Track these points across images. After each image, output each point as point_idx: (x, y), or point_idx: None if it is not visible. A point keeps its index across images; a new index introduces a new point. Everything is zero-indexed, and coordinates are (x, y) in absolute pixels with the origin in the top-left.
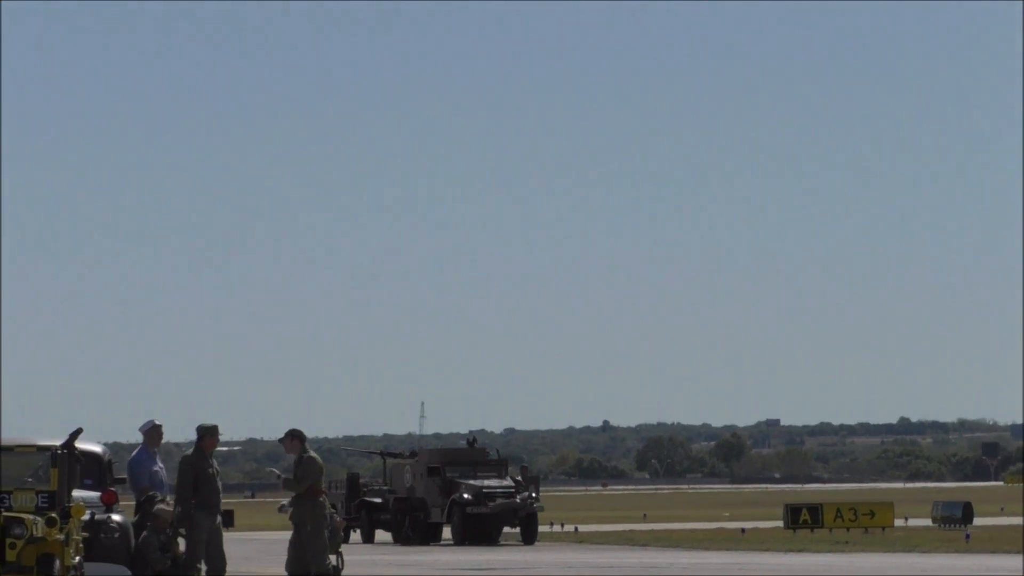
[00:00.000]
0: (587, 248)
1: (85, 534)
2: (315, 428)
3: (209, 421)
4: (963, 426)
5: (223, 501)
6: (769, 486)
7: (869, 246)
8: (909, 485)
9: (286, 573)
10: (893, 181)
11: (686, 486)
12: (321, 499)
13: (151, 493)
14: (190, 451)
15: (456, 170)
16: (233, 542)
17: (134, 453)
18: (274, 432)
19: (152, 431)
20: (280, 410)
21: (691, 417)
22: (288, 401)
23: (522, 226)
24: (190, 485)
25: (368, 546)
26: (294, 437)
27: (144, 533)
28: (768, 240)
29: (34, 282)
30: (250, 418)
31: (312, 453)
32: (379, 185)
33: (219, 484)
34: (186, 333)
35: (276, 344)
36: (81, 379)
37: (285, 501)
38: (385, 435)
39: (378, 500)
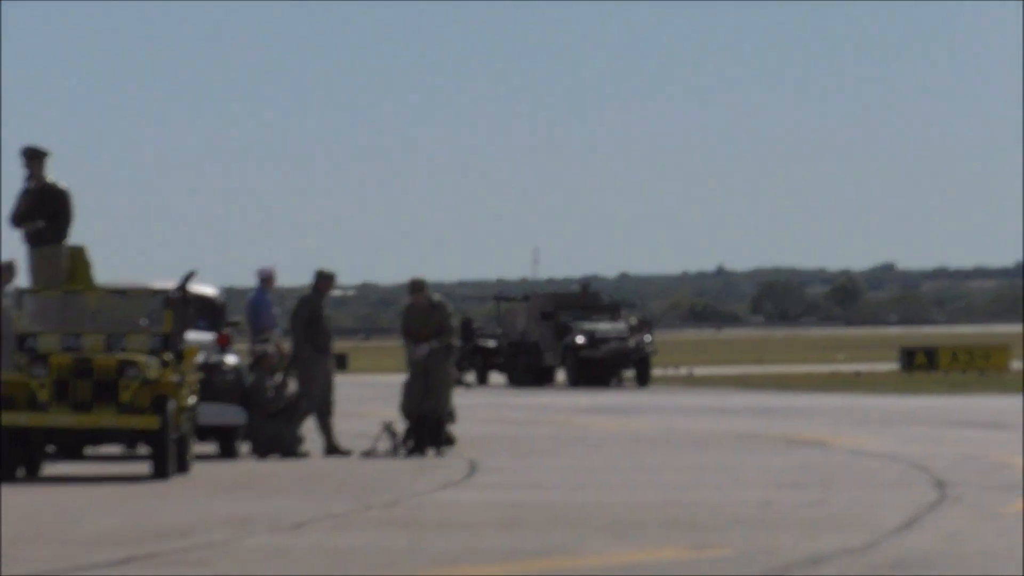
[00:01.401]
0: (701, 90)
1: (199, 376)
2: (430, 272)
3: (327, 267)
4: None
5: (336, 344)
6: (884, 329)
7: (989, 83)
8: None
9: (400, 414)
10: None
11: (800, 330)
12: (449, 343)
13: (266, 335)
14: (307, 293)
15: (571, 18)
16: (347, 385)
17: (251, 294)
18: (388, 277)
19: (271, 275)
20: (394, 255)
21: (806, 261)
22: (402, 246)
23: (635, 68)
24: (304, 326)
25: (482, 389)
26: (417, 289)
27: (256, 374)
28: (885, 79)
29: (150, 125)
30: (364, 263)
31: (440, 299)
32: (489, 31)
33: (330, 327)
34: (301, 177)
35: (391, 188)
36: (195, 223)
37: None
38: (499, 279)
39: (492, 344)
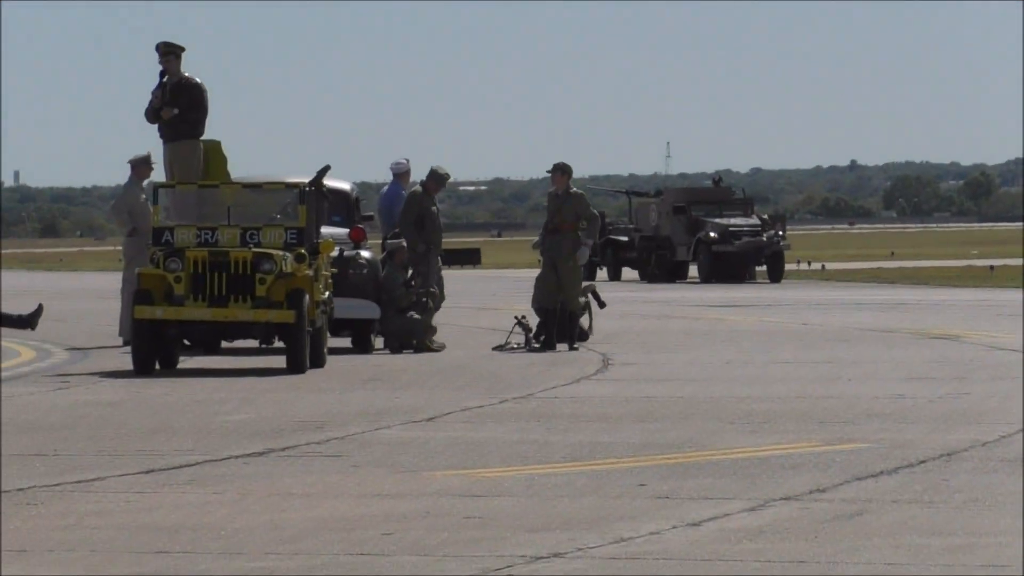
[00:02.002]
0: None
1: (334, 270)
2: None
3: (444, 167)
4: None
5: (469, 240)
6: (1018, 224)
7: None
8: None
9: (533, 309)
10: None
11: (934, 225)
12: (576, 235)
13: (397, 230)
14: (417, 191)
15: None
16: (480, 280)
17: (385, 189)
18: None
19: (406, 172)
20: (525, 150)
21: (939, 155)
22: (534, 141)
23: None
24: (413, 222)
25: (615, 283)
26: (564, 172)
27: (389, 268)
28: None
29: (287, 18)
30: (496, 158)
31: (576, 189)
32: None
33: (440, 225)
34: (433, 74)
35: (524, 83)
36: (330, 118)
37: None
38: (631, 175)
39: (624, 239)
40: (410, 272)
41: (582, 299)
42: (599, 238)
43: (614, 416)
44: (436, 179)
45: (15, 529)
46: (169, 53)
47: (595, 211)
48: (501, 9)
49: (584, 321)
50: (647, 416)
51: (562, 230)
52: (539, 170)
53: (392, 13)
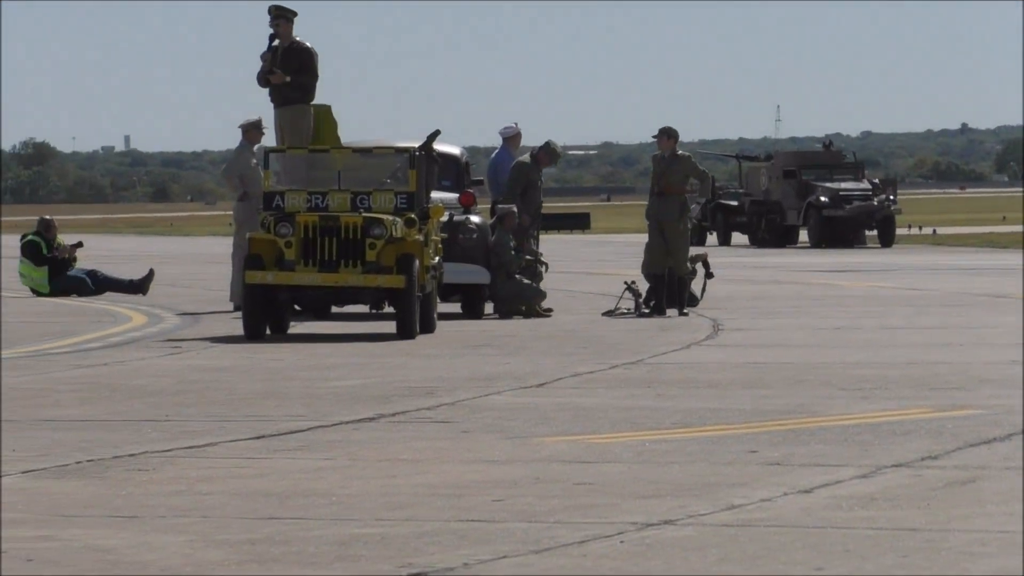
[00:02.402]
0: None
1: (444, 235)
2: None
3: (554, 142)
4: None
5: (578, 204)
6: None
7: None
8: None
9: (642, 274)
10: None
11: None
12: (685, 199)
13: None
14: (526, 161)
15: None
16: (589, 245)
17: (494, 154)
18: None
19: (515, 136)
20: (634, 114)
21: None
22: (643, 105)
23: None
24: (518, 191)
25: (724, 248)
26: (670, 136)
27: (498, 233)
28: None
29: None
30: (605, 122)
31: (682, 152)
32: None
33: (541, 196)
34: (544, 38)
35: (631, 47)
36: (439, 83)
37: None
38: (740, 138)
39: (734, 203)
40: (519, 236)
41: (694, 266)
42: (709, 202)
43: (724, 382)
44: (549, 154)
45: (127, 495)
46: (280, 17)
47: (706, 170)
48: None
49: (695, 287)
50: (757, 382)
51: (668, 193)
52: (648, 134)
53: None
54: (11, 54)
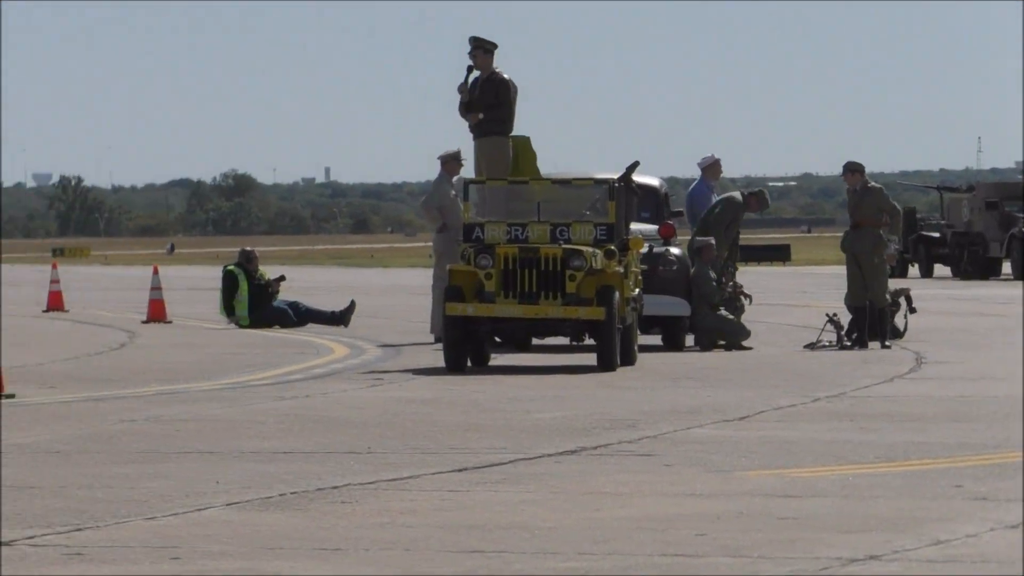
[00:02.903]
0: None
1: (643, 266)
2: (871, 162)
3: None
4: None
5: (778, 235)
6: None
7: None
8: None
9: (845, 306)
10: None
11: None
12: (880, 231)
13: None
14: (736, 197)
15: None
16: (789, 277)
17: (692, 186)
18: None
19: (712, 165)
20: (834, 145)
21: None
22: (843, 135)
23: None
24: (723, 228)
25: (927, 280)
26: (854, 171)
27: (696, 264)
28: None
29: (593, 13)
30: (805, 153)
31: (874, 184)
32: None
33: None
34: (742, 69)
35: (831, 78)
36: (637, 114)
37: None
38: (941, 169)
39: (936, 235)
40: (720, 268)
41: (897, 299)
42: (911, 234)
43: (928, 415)
44: (760, 201)
45: (330, 527)
46: (478, 48)
47: (896, 205)
48: (806, 9)
49: (899, 320)
50: (962, 416)
51: (862, 226)
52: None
53: (698, 9)
54: (215, 88)
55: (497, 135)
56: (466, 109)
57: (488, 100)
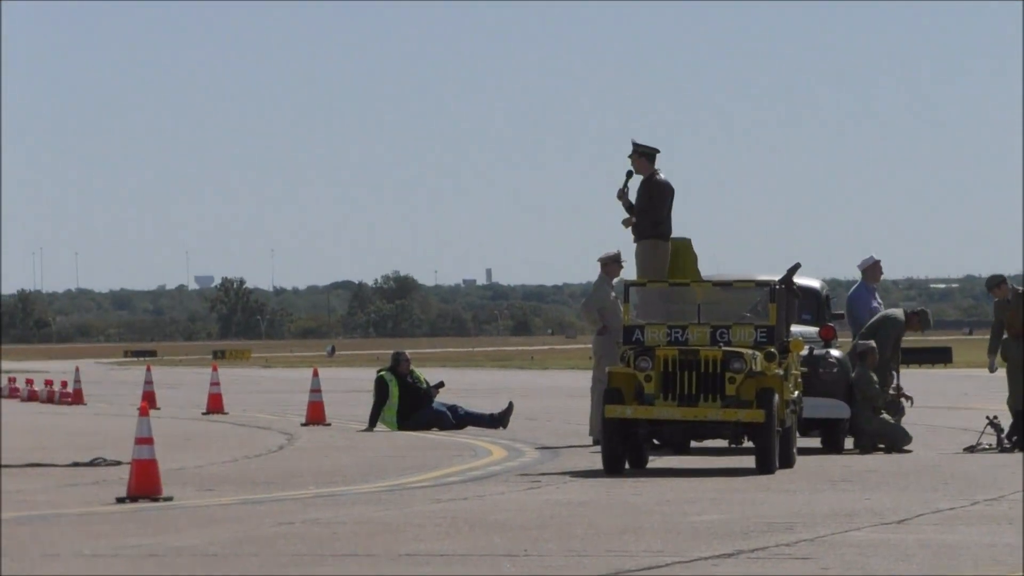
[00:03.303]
0: None
1: (803, 369)
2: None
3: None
4: None
5: (940, 337)
6: None
7: None
8: None
9: (1007, 407)
10: None
11: None
12: None
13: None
14: (900, 314)
15: None
16: (951, 379)
17: (853, 289)
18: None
19: (872, 267)
20: (997, 247)
21: None
22: (1006, 237)
23: None
24: (888, 346)
25: None
26: (1000, 284)
27: (858, 368)
28: None
29: (736, 114)
30: (968, 254)
31: (1021, 288)
32: None
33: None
34: (900, 171)
35: (988, 180)
36: (799, 214)
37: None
38: None
39: None
40: (884, 372)
41: None
42: None
43: None
44: (923, 321)
45: None
46: (636, 153)
47: None
48: (965, 105)
49: None
50: None
51: (1021, 335)
52: (1013, 265)
53: (857, 108)
54: (377, 190)
55: (655, 238)
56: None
57: (642, 204)
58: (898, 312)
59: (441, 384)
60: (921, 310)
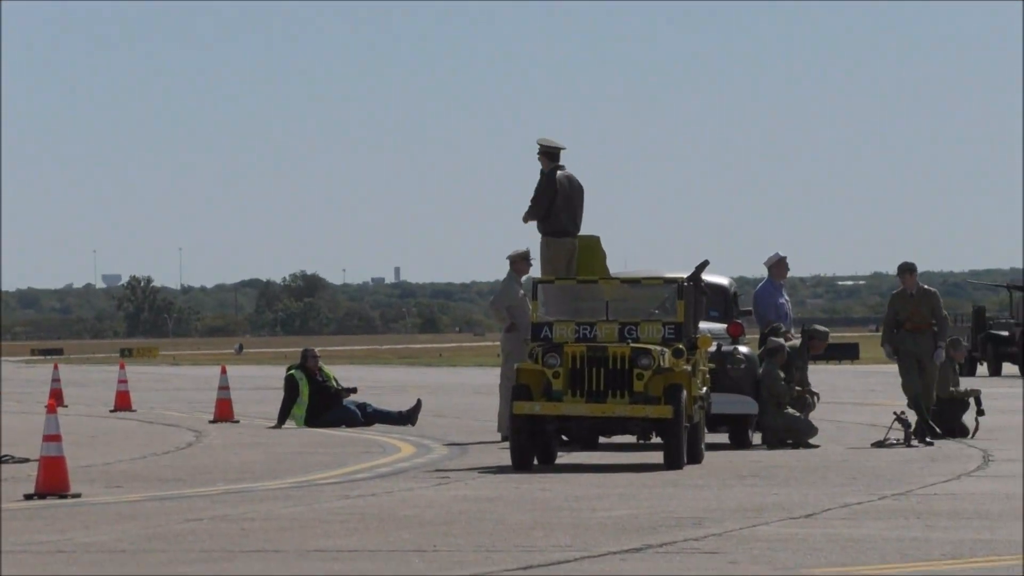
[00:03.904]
0: None
1: (711, 365)
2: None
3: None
4: None
5: (849, 335)
6: None
7: None
8: None
9: (907, 405)
10: None
11: None
12: (933, 331)
13: (775, 325)
14: (796, 343)
15: None
16: (857, 375)
17: (759, 286)
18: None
19: (778, 264)
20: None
21: None
22: (913, 235)
23: None
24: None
25: (995, 379)
26: (912, 271)
27: (766, 364)
28: None
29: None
30: (874, 253)
31: (929, 287)
32: None
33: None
34: (808, 170)
35: (902, 181)
36: (707, 214)
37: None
38: (1011, 268)
39: (1005, 333)
40: (792, 368)
41: (968, 399)
42: (979, 332)
43: (995, 513)
44: (820, 337)
45: None
46: (540, 151)
47: (946, 312)
48: (875, 109)
49: (968, 419)
50: None
51: (921, 329)
52: (918, 264)
53: (769, 110)
54: (285, 190)
55: (545, 235)
56: (532, 211)
57: (540, 199)
58: (796, 341)
59: (354, 390)
60: (819, 331)
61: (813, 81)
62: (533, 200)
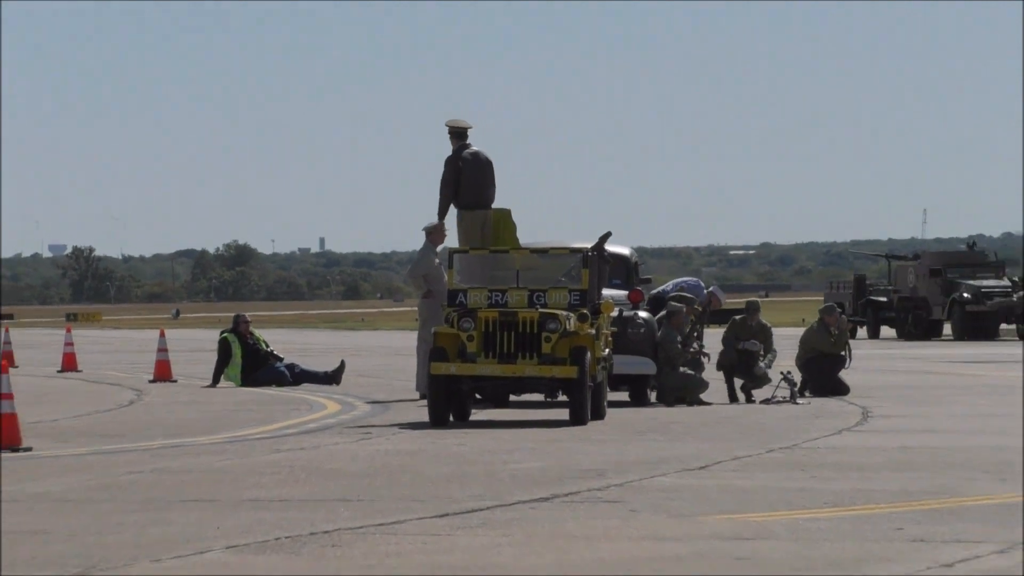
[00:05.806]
0: None
1: (613, 329)
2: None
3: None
4: None
5: (739, 301)
6: None
7: None
8: None
9: (795, 364)
10: None
11: None
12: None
13: (679, 293)
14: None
15: None
16: None
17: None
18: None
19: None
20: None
21: None
22: (800, 207)
23: None
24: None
25: (874, 341)
26: (756, 311)
27: (664, 328)
28: None
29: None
30: (764, 223)
31: (764, 322)
32: None
33: None
34: (694, 142)
35: (791, 154)
36: (610, 185)
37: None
38: (889, 239)
39: (883, 299)
40: (689, 332)
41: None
42: (860, 298)
43: (873, 465)
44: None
45: (322, 569)
46: (448, 132)
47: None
48: (765, 80)
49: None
50: (904, 465)
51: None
52: (805, 236)
53: (663, 83)
54: (218, 164)
55: (478, 208)
56: (450, 186)
57: (441, 188)
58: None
59: (280, 359)
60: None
61: (701, 48)
62: (440, 192)
